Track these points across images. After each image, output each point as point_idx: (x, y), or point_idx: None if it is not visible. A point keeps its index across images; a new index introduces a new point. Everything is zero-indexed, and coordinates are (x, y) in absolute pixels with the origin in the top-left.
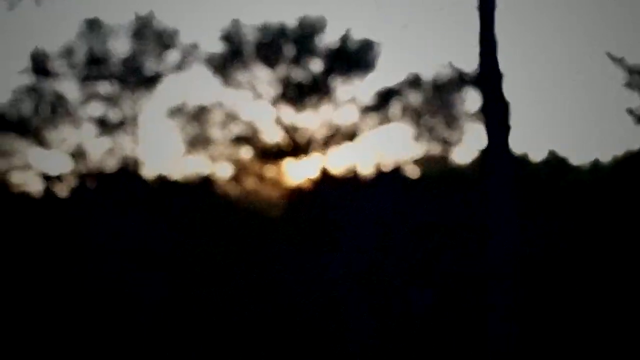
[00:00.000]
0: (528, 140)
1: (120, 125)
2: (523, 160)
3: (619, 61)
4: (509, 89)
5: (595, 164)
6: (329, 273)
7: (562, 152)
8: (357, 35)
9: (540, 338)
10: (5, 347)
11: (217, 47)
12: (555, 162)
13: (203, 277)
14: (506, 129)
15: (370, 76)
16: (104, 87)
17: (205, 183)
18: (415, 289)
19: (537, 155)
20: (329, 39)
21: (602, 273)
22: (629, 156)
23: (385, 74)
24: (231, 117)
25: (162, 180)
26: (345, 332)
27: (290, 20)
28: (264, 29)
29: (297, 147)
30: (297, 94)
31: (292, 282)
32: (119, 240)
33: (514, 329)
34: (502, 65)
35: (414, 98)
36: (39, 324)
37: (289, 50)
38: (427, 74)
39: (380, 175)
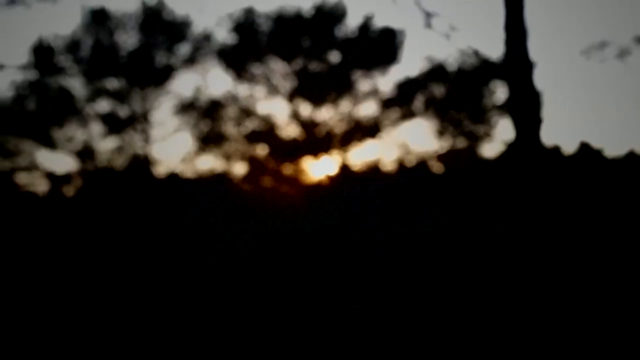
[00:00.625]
0: (559, 131)
1: (129, 122)
2: (555, 152)
3: None
4: (541, 78)
5: (630, 155)
6: (351, 272)
7: (595, 144)
8: (379, 22)
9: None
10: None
11: (229, 37)
12: (588, 153)
13: (216, 275)
14: (537, 121)
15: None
16: (112, 83)
17: (220, 181)
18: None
19: (569, 147)
20: (348, 27)
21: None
22: None
23: (407, 62)
24: (245, 113)
25: (174, 178)
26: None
27: (308, 5)
28: (279, 19)
29: (315, 143)
30: (315, 87)
31: (310, 281)
32: (129, 238)
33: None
34: (533, 53)
35: (438, 90)
36: (42, 324)
37: (306, 41)
38: (452, 63)
39: (404, 171)
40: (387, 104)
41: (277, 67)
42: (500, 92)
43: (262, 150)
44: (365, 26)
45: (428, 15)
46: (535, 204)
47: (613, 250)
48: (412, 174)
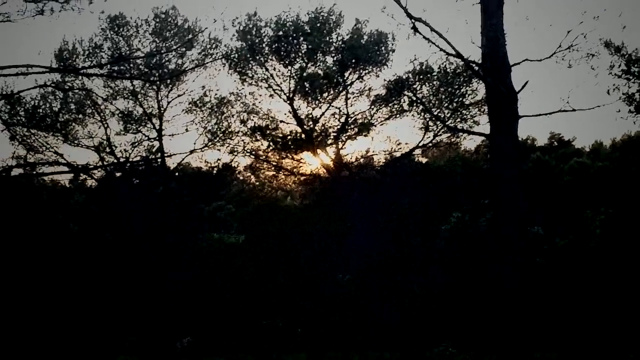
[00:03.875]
0: (532, 124)
1: (144, 119)
2: (529, 144)
3: (617, 49)
4: (516, 75)
5: (597, 147)
6: (348, 254)
7: (566, 135)
8: (371, 26)
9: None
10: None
11: (235, 41)
12: (559, 144)
13: (227, 261)
14: (513, 118)
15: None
16: (129, 83)
17: (226, 171)
18: (431, 269)
19: (541, 138)
20: (342, 31)
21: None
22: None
23: (396, 62)
24: (249, 110)
25: (184, 169)
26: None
27: (308, 8)
28: (279, 25)
29: (312, 138)
30: (312, 88)
31: (311, 264)
32: (146, 226)
33: (523, 303)
34: (510, 54)
35: (423, 88)
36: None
37: (304, 46)
38: (436, 64)
39: (393, 162)
40: (377, 101)
41: (278, 70)
42: (480, 90)
43: (263, 144)
44: (358, 30)
45: (414, 21)
46: (515, 193)
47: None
48: (400, 164)
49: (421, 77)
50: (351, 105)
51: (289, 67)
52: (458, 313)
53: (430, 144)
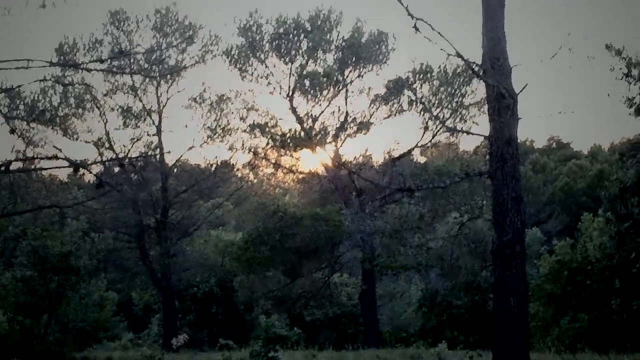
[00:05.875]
0: (531, 127)
1: (144, 114)
2: (528, 146)
3: (618, 52)
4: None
5: (596, 150)
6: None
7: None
8: (371, 25)
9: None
10: None
11: (235, 37)
12: (557, 146)
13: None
14: (513, 119)
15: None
16: (129, 78)
17: (225, 168)
18: (430, 275)
19: (540, 140)
20: (343, 30)
21: None
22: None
23: (396, 62)
24: (248, 107)
25: (183, 165)
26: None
27: (309, 6)
28: (280, 22)
29: (311, 136)
30: (312, 85)
31: (308, 263)
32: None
33: (523, 309)
34: (511, 56)
35: (424, 88)
36: None
37: (304, 44)
38: (436, 64)
39: (391, 161)
40: (377, 100)
41: (278, 67)
42: (479, 91)
43: (262, 141)
44: (358, 29)
45: (415, 20)
46: (514, 195)
47: None
48: (399, 163)
49: (421, 76)
50: (351, 104)
51: (289, 65)
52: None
53: (429, 144)
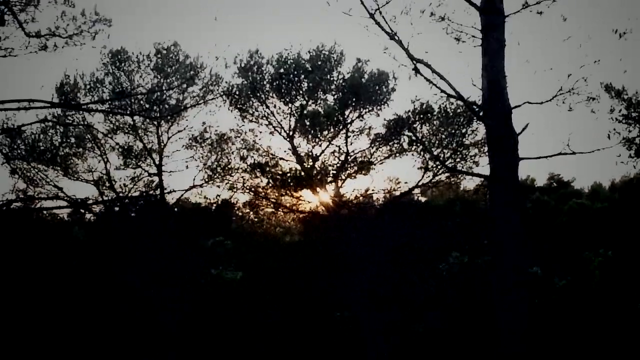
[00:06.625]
0: (532, 164)
1: (144, 154)
2: (529, 184)
3: (617, 93)
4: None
5: (596, 188)
6: (346, 292)
7: (565, 176)
8: (372, 65)
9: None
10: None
11: (236, 78)
12: (558, 185)
13: (225, 297)
14: (514, 159)
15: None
16: (129, 118)
17: (225, 207)
18: (430, 312)
19: (541, 179)
20: (344, 70)
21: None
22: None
23: (397, 101)
24: (249, 147)
25: (184, 204)
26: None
27: (309, 46)
28: (281, 63)
29: (311, 176)
30: (312, 125)
31: (308, 301)
32: (145, 260)
33: (524, 345)
34: (511, 96)
35: (423, 128)
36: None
37: (305, 84)
38: (437, 104)
39: (392, 201)
40: (377, 140)
41: (278, 107)
42: (480, 130)
43: (263, 181)
44: (359, 69)
45: (415, 62)
46: (515, 234)
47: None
48: (399, 202)
49: (421, 116)
50: (351, 144)
51: (290, 105)
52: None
53: (429, 184)
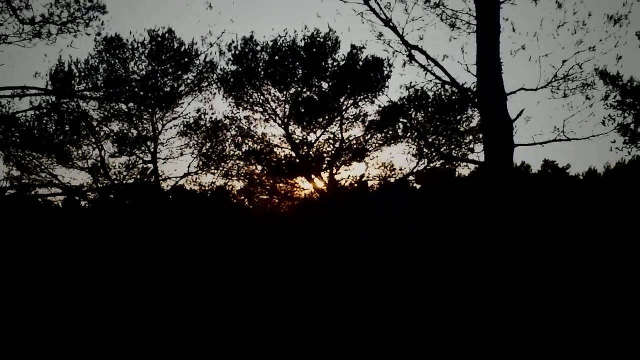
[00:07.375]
0: (526, 151)
1: (139, 141)
2: (523, 171)
3: (612, 79)
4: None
5: (591, 173)
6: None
7: (560, 162)
8: (368, 51)
9: None
10: None
11: (231, 65)
12: (553, 171)
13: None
14: (508, 146)
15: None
16: (124, 105)
17: (220, 194)
18: None
19: (536, 165)
20: (339, 57)
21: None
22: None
23: (391, 88)
24: (244, 134)
25: (178, 192)
26: None
27: (304, 33)
28: (275, 50)
29: (306, 163)
30: (307, 112)
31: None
32: (140, 246)
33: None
34: (506, 83)
35: (418, 114)
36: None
37: (299, 70)
38: (432, 91)
39: (386, 185)
40: (371, 127)
41: (273, 94)
42: (475, 117)
43: (258, 167)
44: (354, 56)
45: (410, 49)
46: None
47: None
48: (393, 187)
49: (416, 103)
50: (346, 131)
51: (284, 92)
52: None
53: (424, 171)
